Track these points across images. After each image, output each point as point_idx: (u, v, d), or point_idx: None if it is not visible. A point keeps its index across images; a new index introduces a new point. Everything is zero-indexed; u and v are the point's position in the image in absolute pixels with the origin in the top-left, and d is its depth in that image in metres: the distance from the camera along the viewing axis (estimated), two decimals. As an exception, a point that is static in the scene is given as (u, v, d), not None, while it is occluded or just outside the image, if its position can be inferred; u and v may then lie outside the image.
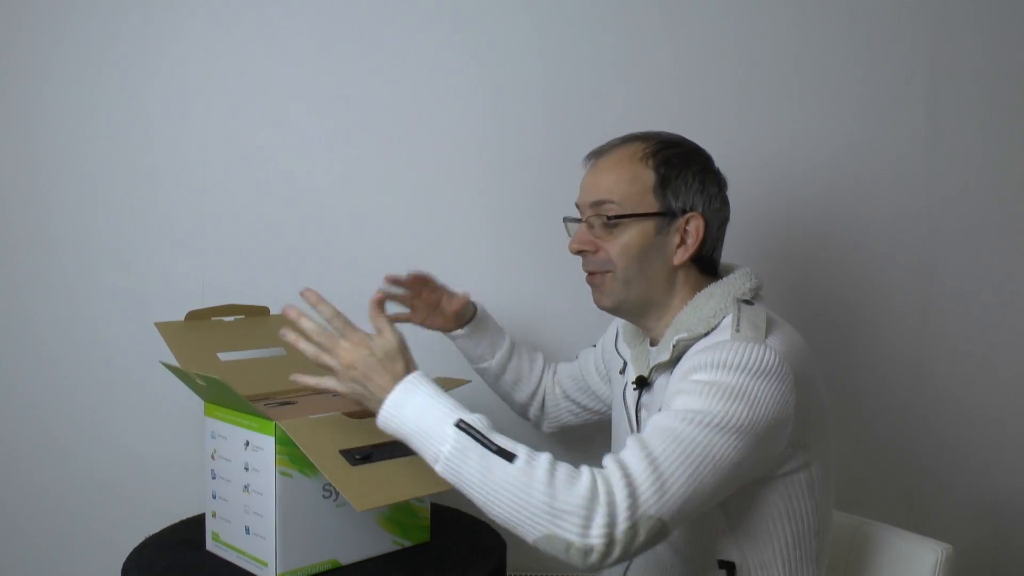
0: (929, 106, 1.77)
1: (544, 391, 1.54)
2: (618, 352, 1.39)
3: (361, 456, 1.17)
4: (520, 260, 1.70)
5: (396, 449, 1.18)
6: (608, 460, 1.01)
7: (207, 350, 1.37)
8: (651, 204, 1.21)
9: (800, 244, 1.76)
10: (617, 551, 0.97)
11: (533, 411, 1.55)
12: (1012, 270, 1.80)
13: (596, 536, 0.96)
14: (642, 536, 0.97)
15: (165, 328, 1.38)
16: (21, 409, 1.67)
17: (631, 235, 1.21)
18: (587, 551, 0.96)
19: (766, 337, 1.10)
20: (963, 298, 1.80)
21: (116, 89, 1.64)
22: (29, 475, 1.67)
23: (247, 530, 1.24)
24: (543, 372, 1.54)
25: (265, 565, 1.21)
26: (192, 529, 1.39)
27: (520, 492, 0.97)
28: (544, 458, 0.99)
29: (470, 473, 0.99)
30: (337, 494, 1.23)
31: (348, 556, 1.27)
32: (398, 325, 1.14)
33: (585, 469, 0.99)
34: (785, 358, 1.08)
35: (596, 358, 1.50)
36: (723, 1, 1.71)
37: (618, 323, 1.43)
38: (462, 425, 1.01)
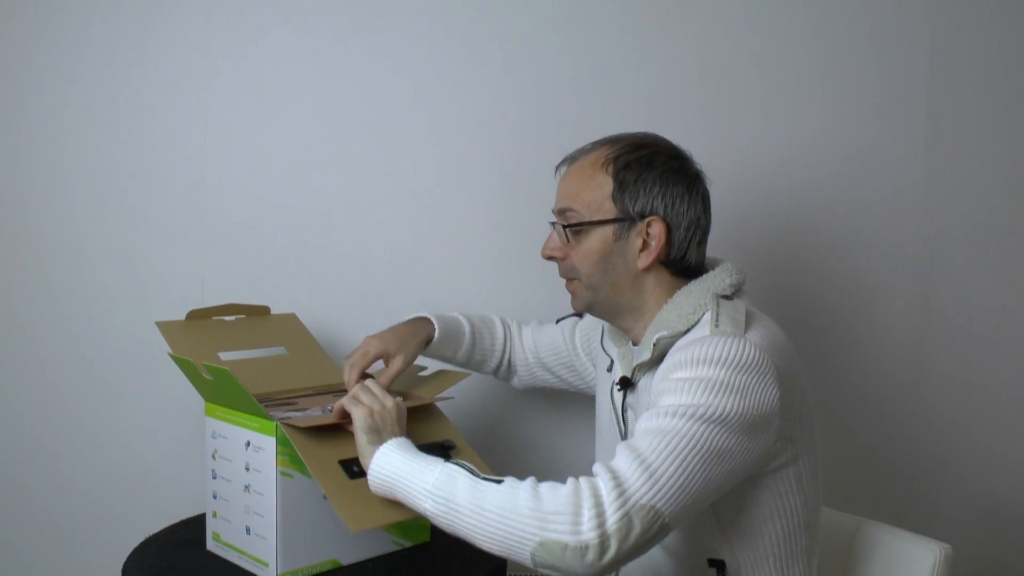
0: (929, 106, 1.77)
1: (509, 355, 1.55)
2: (604, 350, 1.39)
3: (359, 468, 1.16)
4: (520, 260, 1.70)
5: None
6: (596, 466, 1.02)
7: (207, 349, 1.37)
8: (609, 210, 1.22)
9: (799, 244, 1.76)
10: (613, 545, 0.96)
11: (501, 372, 1.56)
12: (1012, 270, 1.81)
13: (588, 531, 0.96)
14: (638, 526, 0.97)
15: (165, 327, 1.38)
16: (21, 409, 1.67)
17: (591, 242, 1.23)
18: (583, 549, 0.96)
19: (746, 331, 1.11)
20: (963, 298, 1.80)
21: (117, 90, 1.64)
22: (29, 475, 1.67)
23: (248, 530, 1.24)
24: (505, 341, 1.54)
25: (266, 565, 1.22)
26: (192, 529, 1.40)
27: (508, 505, 0.99)
28: (529, 479, 1.03)
29: (459, 498, 1.02)
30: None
31: (348, 556, 1.27)
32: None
33: (570, 478, 1.01)
34: (765, 352, 1.09)
35: (581, 335, 1.50)
36: (722, 2, 1.71)
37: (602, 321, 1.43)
38: (451, 462, 1.07)
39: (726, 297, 1.18)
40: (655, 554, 1.22)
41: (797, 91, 1.74)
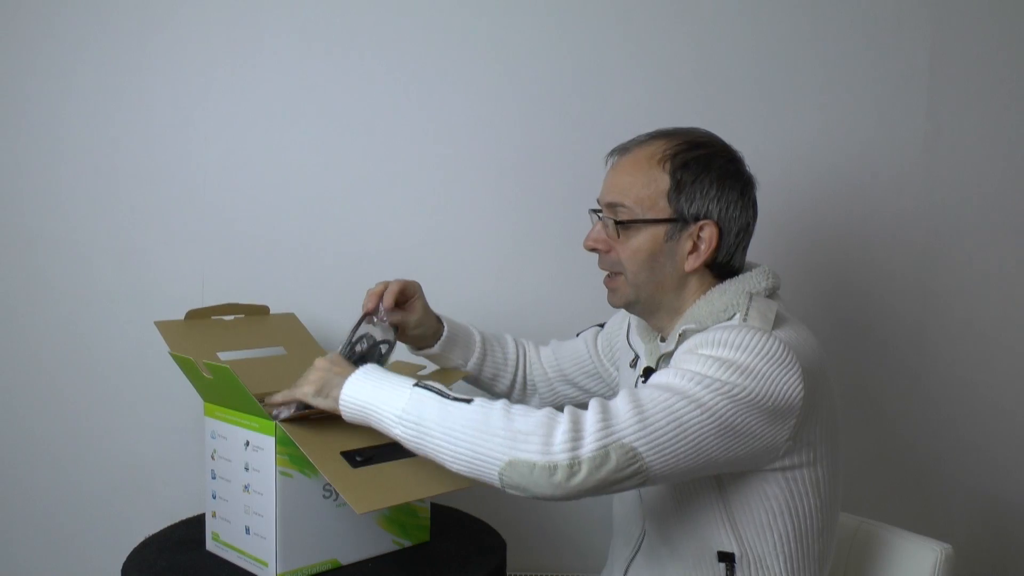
0: (929, 106, 1.77)
1: (524, 375, 1.50)
2: (630, 345, 1.37)
3: (362, 459, 1.17)
4: (520, 259, 1.70)
5: (397, 451, 1.18)
6: (591, 400, 1.02)
7: (207, 349, 1.37)
8: (663, 210, 1.19)
9: (798, 244, 1.76)
10: (583, 470, 0.96)
11: (515, 395, 1.51)
12: (1012, 270, 1.80)
13: (559, 452, 0.96)
14: (613, 461, 0.97)
15: (165, 327, 1.38)
16: (21, 409, 1.67)
17: (641, 240, 1.19)
18: (551, 468, 0.96)
19: (774, 329, 1.09)
20: (963, 298, 1.80)
21: (117, 90, 1.64)
22: (29, 475, 1.67)
23: (247, 530, 1.24)
24: (518, 358, 1.50)
25: (265, 565, 1.21)
26: (192, 529, 1.39)
27: (478, 425, 0.99)
28: (501, 400, 1.03)
29: (428, 420, 1.02)
30: (337, 494, 1.22)
31: (348, 556, 1.27)
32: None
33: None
34: (792, 350, 1.07)
35: (603, 342, 1.47)
36: (722, 3, 1.71)
37: (631, 316, 1.40)
38: (419, 384, 1.07)
39: (757, 295, 1.17)
40: (664, 546, 1.22)
41: (797, 91, 1.74)
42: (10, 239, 1.65)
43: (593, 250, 1.25)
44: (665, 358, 1.20)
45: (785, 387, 1.05)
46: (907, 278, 1.80)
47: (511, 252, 1.71)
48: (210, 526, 1.33)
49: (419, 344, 1.41)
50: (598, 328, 1.50)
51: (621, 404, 1.01)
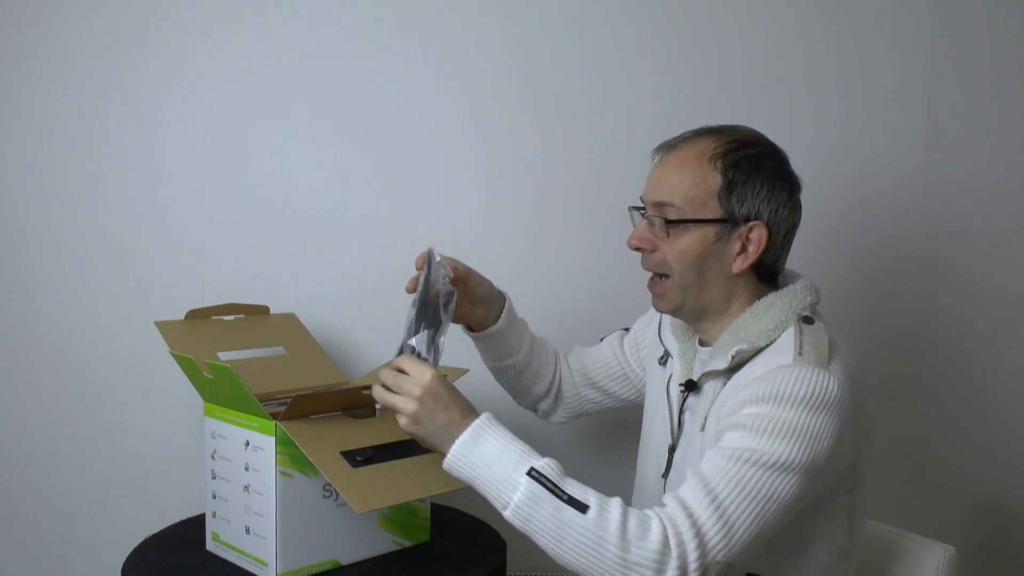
0: (929, 106, 1.77)
1: (559, 380, 1.45)
2: (662, 342, 1.34)
3: (363, 458, 1.17)
4: (521, 259, 1.70)
5: (397, 451, 1.18)
6: (673, 504, 1.01)
7: (207, 349, 1.37)
8: (714, 210, 1.16)
9: (798, 244, 1.76)
10: None
11: (547, 403, 1.46)
12: (1012, 270, 1.80)
13: None
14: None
15: (165, 327, 1.38)
16: (21, 409, 1.67)
17: (690, 240, 1.16)
18: None
19: (828, 363, 1.08)
20: (963, 298, 1.80)
21: (117, 89, 1.64)
22: (29, 475, 1.67)
23: (247, 530, 1.24)
24: (556, 359, 1.46)
25: (265, 565, 1.21)
26: (192, 529, 1.40)
27: (593, 544, 0.98)
28: (615, 508, 0.99)
29: (541, 522, 1.00)
30: (337, 494, 1.22)
31: (348, 556, 1.27)
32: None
33: (655, 518, 0.99)
34: (845, 386, 1.07)
35: (630, 344, 1.44)
36: (722, 3, 1.71)
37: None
38: (534, 474, 1.01)
39: (807, 319, 1.15)
40: None
41: (797, 91, 1.74)
42: (10, 239, 1.65)
43: (637, 249, 1.21)
44: (713, 376, 1.17)
45: (838, 434, 1.05)
46: (907, 278, 1.79)
47: (512, 252, 1.70)
48: (210, 526, 1.33)
49: (481, 320, 1.35)
50: (623, 332, 1.46)
51: (704, 513, 0.99)
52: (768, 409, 1.04)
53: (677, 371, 1.28)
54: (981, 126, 1.78)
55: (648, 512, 1.00)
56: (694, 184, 1.16)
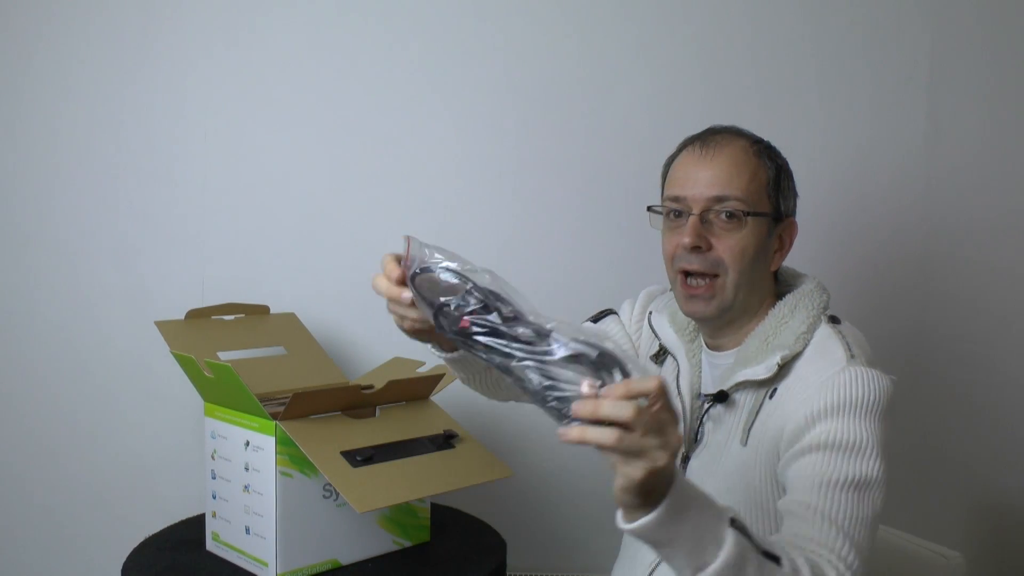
0: (929, 106, 1.77)
1: None
2: (658, 338, 1.27)
3: (363, 458, 1.17)
4: (521, 259, 1.70)
5: (397, 451, 1.18)
6: (824, 551, 0.96)
7: (207, 349, 1.37)
8: (766, 204, 1.13)
9: (798, 244, 1.76)
10: None
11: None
12: (1012, 270, 1.80)
13: None
14: None
15: (165, 327, 1.38)
16: (21, 408, 1.67)
17: (747, 235, 1.11)
18: None
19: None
20: (962, 299, 1.80)
21: (117, 90, 1.64)
22: (29, 475, 1.67)
23: (247, 530, 1.24)
24: None
25: (265, 565, 1.22)
26: (192, 529, 1.40)
27: None
28: (801, 562, 0.90)
29: None
30: (337, 494, 1.23)
31: (348, 556, 1.27)
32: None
33: (829, 568, 0.94)
34: (894, 384, 1.08)
35: (627, 327, 1.34)
36: (722, 3, 1.71)
37: (652, 304, 1.31)
38: (736, 524, 0.85)
39: (834, 318, 1.15)
40: None
41: (797, 91, 1.74)
42: (10, 239, 1.65)
43: (695, 248, 1.11)
44: (747, 386, 1.12)
45: (892, 434, 1.09)
46: (906, 278, 1.79)
47: (512, 252, 1.70)
48: (210, 526, 1.33)
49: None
50: (614, 315, 1.36)
51: (855, 562, 0.98)
52: (843, 423, 1.04)
53: (686, 373, 1.21)
54: (981, 126, 1.78)
55: (817, 560, 0.94)
56: (752, 178, 1.12)
